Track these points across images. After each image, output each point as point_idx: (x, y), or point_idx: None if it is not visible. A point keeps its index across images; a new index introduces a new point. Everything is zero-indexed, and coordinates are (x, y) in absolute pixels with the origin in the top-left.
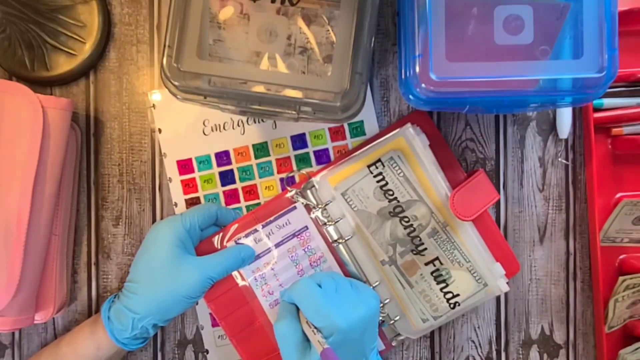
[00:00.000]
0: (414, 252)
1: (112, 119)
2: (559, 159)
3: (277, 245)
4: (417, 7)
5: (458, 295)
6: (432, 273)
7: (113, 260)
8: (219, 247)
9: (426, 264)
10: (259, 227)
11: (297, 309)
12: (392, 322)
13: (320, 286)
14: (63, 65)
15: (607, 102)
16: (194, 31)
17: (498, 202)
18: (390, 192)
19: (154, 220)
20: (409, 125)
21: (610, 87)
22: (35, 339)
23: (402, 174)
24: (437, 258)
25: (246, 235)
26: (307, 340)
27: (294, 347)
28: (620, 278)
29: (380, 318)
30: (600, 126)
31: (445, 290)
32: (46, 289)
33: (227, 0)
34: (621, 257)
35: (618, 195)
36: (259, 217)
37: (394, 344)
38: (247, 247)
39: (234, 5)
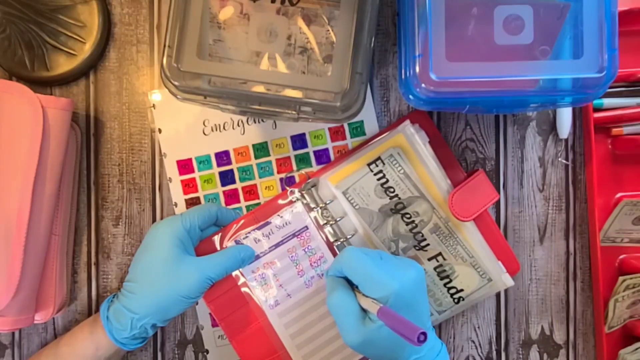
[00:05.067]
0: (417, 247)
1: (112, 119)
2: (559, 159)
3: (277, 246)
4: (417, 7)
5: (462, 290)
6: (435, 269)
7: (113, 260)
8: (219, 247)
9: (429, 260)
10: (258, 227)
11: (346, 281)
12: None
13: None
14: (63, 65)
15: (607, 102)
16: (194, 31)
17: (498, 202)
18: (391, 189)
19: (154, 220)
20: (407, 122)
21: (610, 87)
22: (35, 339)
23: (402, 171)
24: (440, 254)
25: (246, 235)
26: (364, 310)
27: (352, 316)
28: (620, 278)
29: None
30: (600, 126)
31: (448, 285)
32: (46, 289)
33: (227, 0)
34: (621, 257)
35: (618, 195)
36: (259, 217)
37: None
38: (246, 247)
39: (234, 5)
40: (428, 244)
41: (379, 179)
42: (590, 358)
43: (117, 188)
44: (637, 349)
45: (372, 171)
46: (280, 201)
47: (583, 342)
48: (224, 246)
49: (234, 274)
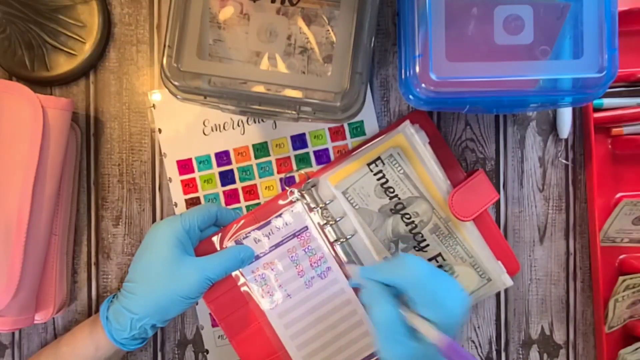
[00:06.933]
0: (417, 248)
1: (112, 119)
2: (559, 159)
3: (277, 246)
4: (417, 7)
5: None
6: None
7: (113, 260)
8: (219, 247)
9: (429, 260)
10: (258, 227)
11: (386, 288)
12: None
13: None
14: (63, 65)
15: (607, 102)
16: (194, 31)
17: (498, 202)
18: (391, 190)
19: (154, 220)
20: (407, 122)
21: (610, 87)
22: (35, 339)
23: (402, 171)
24: (439, 254)
25: (246, 235)
26: (408, 324)
27: (398, 334)
28: (620, 278)
29: None
30: (600, 126)
31: None
32: (46, 289)
33: (227, 0)
34: (621, 257)
35: (618, 195)
36: (259, 217)
37: None
38: (246, 247)
39: (234, 5)
40: (428, 245)
41: (378, 179)
42: (590, 358)
43: (117, 188)
44: (637, 349)
45: (371, 171)
46: (281, 201)
47: (583, 342)
48: (223, 246)
49: (233, 274)
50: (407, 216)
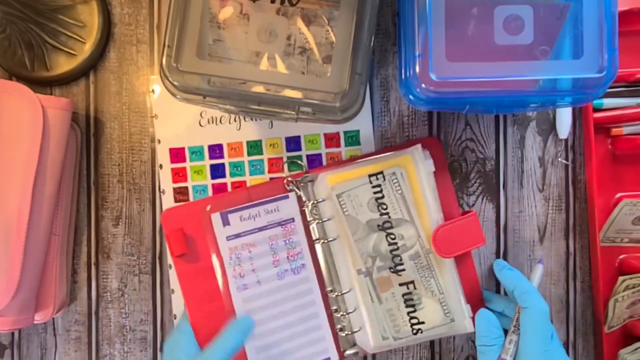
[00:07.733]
0: (392, 270)
1: (112, 119)
2: (559, 159)
3: (261, 230)
4: (417, 7)
5: (423, 323)
6: (403, 295)
7: (113, 260)
8: (212, 221)
9: (400, 285)
10: (248, 205)
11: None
12: (351, 332)
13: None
14: (63, 65)
15: (607, 102)
16: (194, 31)
17: (498, 202)
18: (384, 206)
19: (154, 220)
20: (419, 146)
21: (610, 87)
22: (35, 339)
23: (400, 192)
24: (412, 282)
25: (234, 211)
26: None
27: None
28: (620, 278)
29: (339, 325)
30: (600, 126)
31: (412, 314)
32: (46, 289)
33: (227, 0)
34: (621, 257)
35: (618, 195)
36: (252, 196)
37: (346, 354)
38: (244, 318)
39: (234, 5)
40: (404, 270)
41: (375, 192)
42: (590, 358)
43: (117, 188)
44: (637, 349)
45: (371, 183)
46: (276, 187)
47: (583, 342)
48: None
49: (210, 248)
50: (392, 236)
